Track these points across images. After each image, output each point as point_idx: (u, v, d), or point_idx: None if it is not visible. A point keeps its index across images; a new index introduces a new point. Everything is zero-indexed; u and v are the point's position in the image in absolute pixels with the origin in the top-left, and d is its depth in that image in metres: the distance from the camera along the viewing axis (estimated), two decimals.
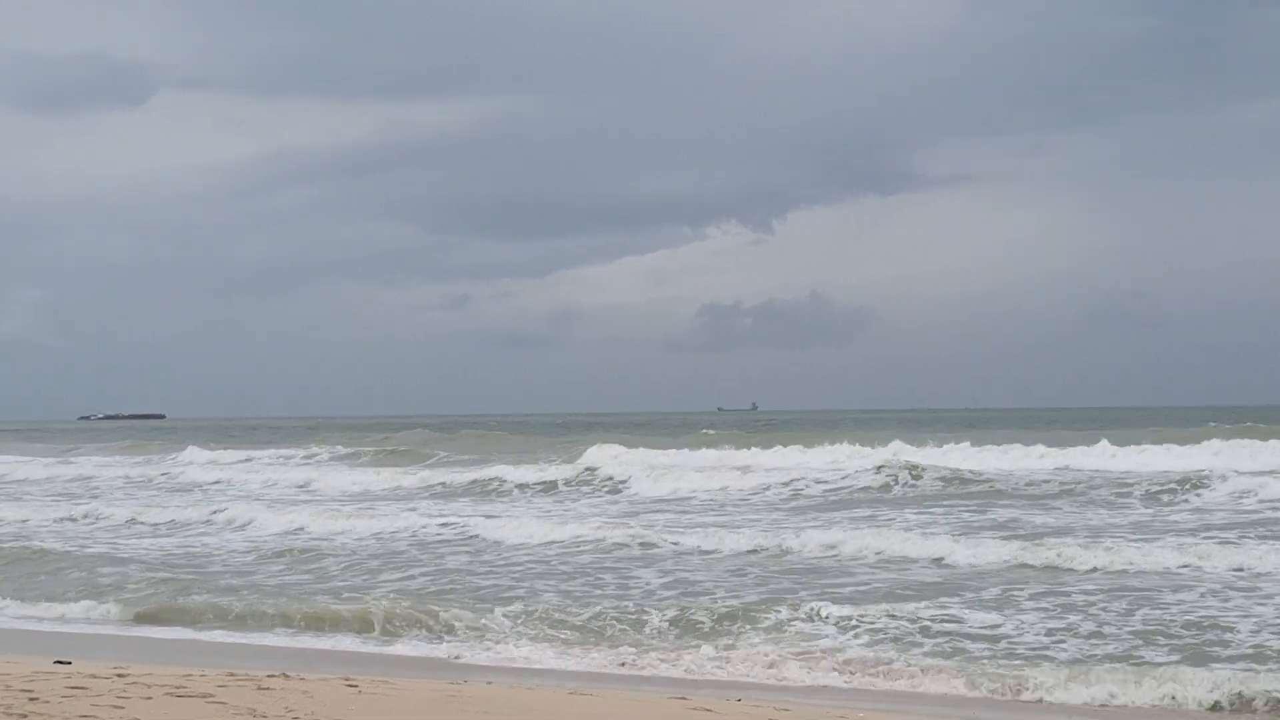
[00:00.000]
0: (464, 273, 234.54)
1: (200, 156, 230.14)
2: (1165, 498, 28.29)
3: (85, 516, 30.37)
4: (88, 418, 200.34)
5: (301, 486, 40.50)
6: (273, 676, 11.56)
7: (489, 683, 12.48)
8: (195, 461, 52.56)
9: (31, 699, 9.82)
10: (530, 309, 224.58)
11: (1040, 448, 40.27)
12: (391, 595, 17.74)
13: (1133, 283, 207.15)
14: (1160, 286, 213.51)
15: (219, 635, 16.20)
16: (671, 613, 16.01)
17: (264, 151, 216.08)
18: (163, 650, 14.78)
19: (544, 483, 36.65)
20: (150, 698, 10.16)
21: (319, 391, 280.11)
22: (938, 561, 19.92)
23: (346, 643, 15.56)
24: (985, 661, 13.32)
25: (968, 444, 42.20)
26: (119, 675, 11.26)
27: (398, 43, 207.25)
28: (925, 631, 14.77)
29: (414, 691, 11.38)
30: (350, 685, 11.33)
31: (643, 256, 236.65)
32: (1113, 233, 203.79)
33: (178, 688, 10.66)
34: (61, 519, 30.18)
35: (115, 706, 9.71)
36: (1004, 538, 21.95)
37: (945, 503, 29.30)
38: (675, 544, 22.48)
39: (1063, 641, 14.19)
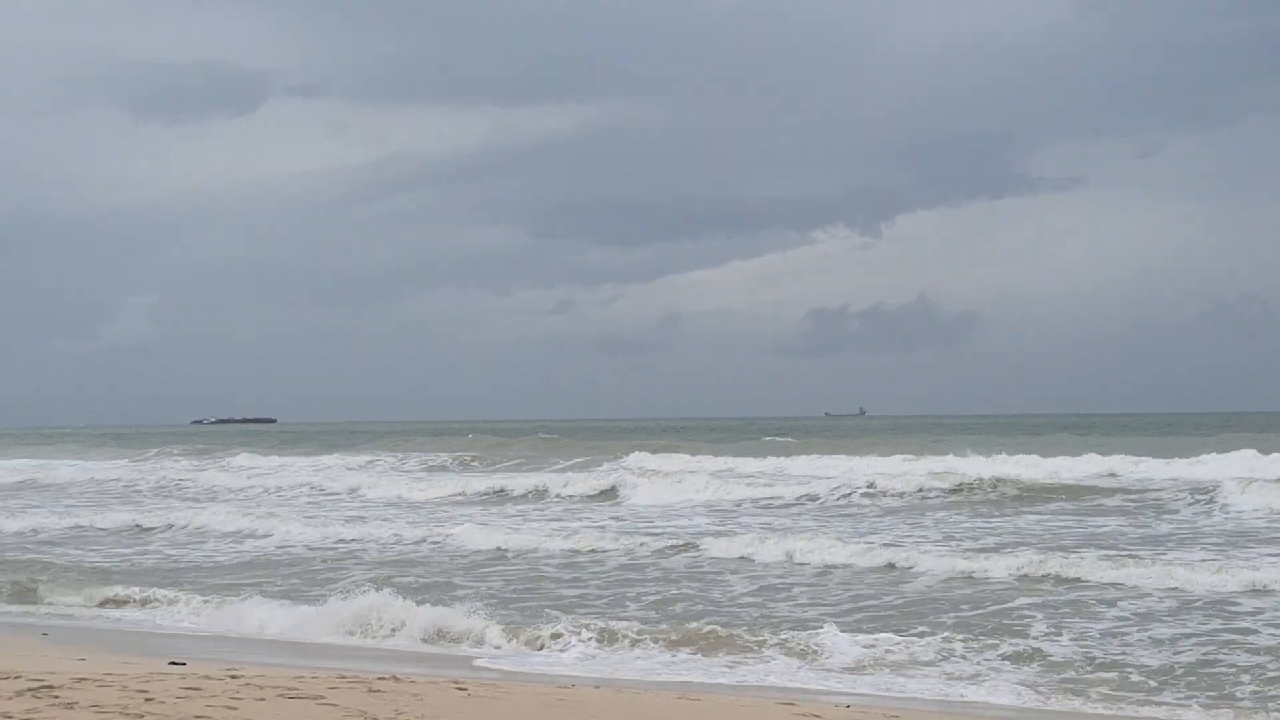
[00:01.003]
0: (570, 277, 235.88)
1: (310, 163, 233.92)
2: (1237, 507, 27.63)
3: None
4: (200, 421, 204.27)
5: (313, 487, 42.52)
6: (383, 679, 11.64)
7: (597, 687, 12.44)
8: (245, 467, 53.25)
9: (147, 699, 9.96)
10: (636, 313, 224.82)
11: (1117, 456, 40.17)
12: (489, 601, 17.80)
13: (1247, 285, 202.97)
14: (1275, 289, 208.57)
15: (329, 637, 16.31)
16: (758, 619, 16.16)
17: (373, 157, 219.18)
18: (273, 652, 14.94)
19: (569, 494, 36.80)
20: (263, 699, 10.27)
21: (427, 395, 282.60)
22: (1010, 572, 19.36)
23: (454, 647, 15.63)
24: (1070, 673, 13.19)
25: (1067, 454, 41.81)
26: (232, 676, 11.40)
27: (506, 48, 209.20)
28: (1005, 641, 14.62)
29: (523, 695, 11.40)
30: (460, 689, 11.38)
31: (750, 260, 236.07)
32: (1226, 235, 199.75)
33: (290, 689, 10.76)
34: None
35: (228, 707, 9.81)
36: (1076, 547, 21.61)
37: (1033, 510, 29.02)
38: (746, 554, 22.36)
39: (1144, 651, 14.02)
